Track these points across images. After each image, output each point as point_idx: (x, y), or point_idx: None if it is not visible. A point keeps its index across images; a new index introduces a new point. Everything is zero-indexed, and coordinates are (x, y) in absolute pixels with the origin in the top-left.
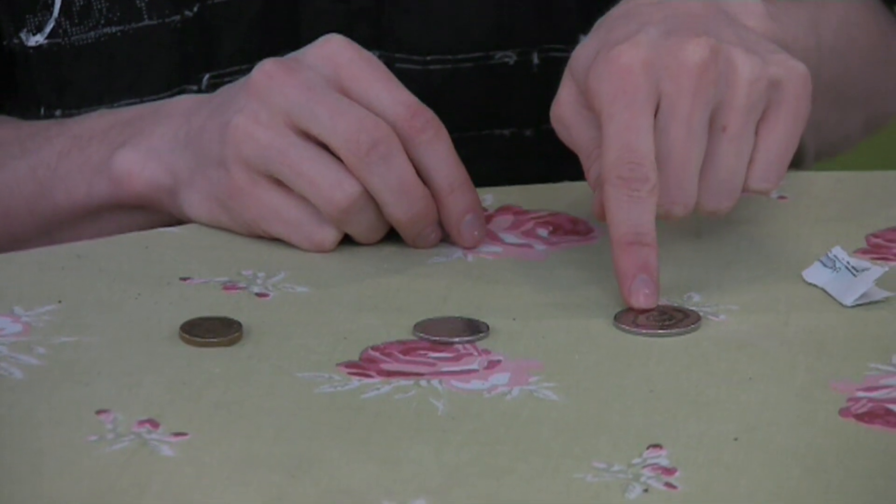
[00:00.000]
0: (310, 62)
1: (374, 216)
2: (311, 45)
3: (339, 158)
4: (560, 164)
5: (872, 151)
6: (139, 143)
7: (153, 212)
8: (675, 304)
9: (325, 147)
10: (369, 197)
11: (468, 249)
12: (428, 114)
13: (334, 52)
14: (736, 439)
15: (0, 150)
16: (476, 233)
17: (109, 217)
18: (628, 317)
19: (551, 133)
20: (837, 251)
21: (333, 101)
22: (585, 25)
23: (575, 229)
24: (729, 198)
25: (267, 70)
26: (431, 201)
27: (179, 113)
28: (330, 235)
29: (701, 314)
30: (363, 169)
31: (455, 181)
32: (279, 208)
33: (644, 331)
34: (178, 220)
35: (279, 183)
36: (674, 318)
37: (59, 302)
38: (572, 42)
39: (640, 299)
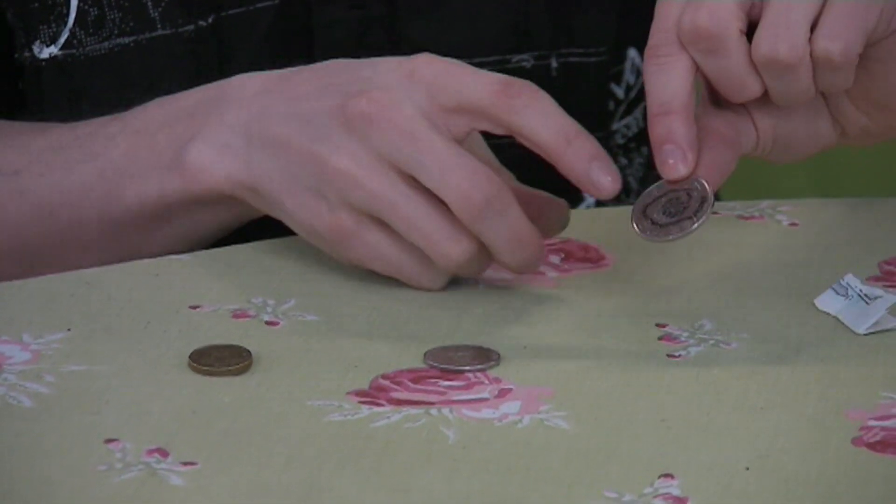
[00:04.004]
0: (403, 92)
1: (485, 262)
2: (396, 68)
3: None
4: None
5: (885, 178)
6: (209, 137)
7: (231, 205)
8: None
9: (431, 192)
10: (483, 247)
11: (607, 198)
12: (519, 82)
13: (421, 73)
14: (747, 468)
15: (61, 154)
16: (609, 178)
17: (184, 215)
18: (642, 217)
19: None
20: (850, 278)
21: (441, 149)
22: (604, 31)
23: (586, 256)
24: (787, 44)
25: (363, 108)
26: (542, 241)
27: (245, 100)
28: (439, 280)
29: (709, 201)
30: (478, 225)
31: (569, 131)
32: (386, 251)
33: (648, 234)
34: (258, 213)
35: (386, 225)
36: (682, 206)
37: (68, 330)
38: (590, 47)
39: (667, 170)
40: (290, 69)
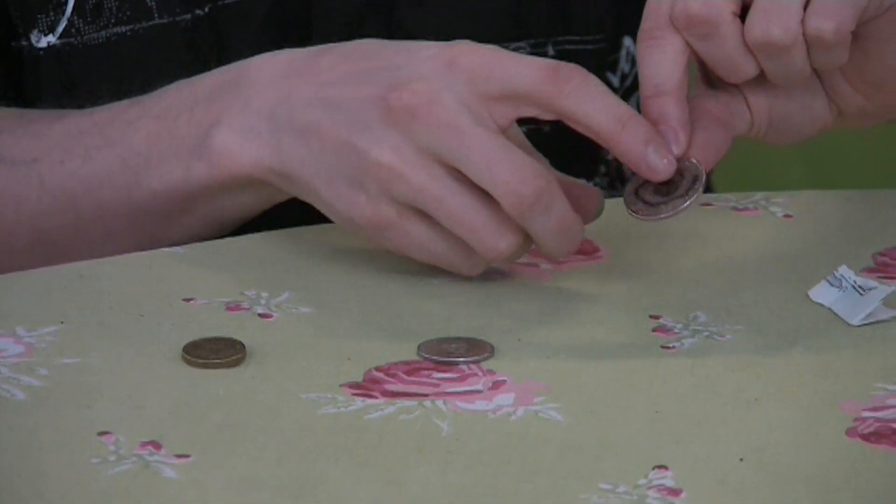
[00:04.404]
0: (443, 83)
1: (526, 251)
2: (435, 57)
3: (495, 200)
4: (578, 159)
5: (879, 170)
6: (233, 121)
7: (255, 190)
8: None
9: (474, 183)
10: (529, 239)
11: (661, 180)
12: (567, 66)
13: (463, 63)
14: (742, 460)
15: (80, 141)
16: (665, 160)
17: (208, 201)
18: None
19: (566, 128)
20: (844, 270)
21: (487, 143)
22: (600, 19)
23: (581, 248)
24: (780, 25)
25: (406, 102)
26: (583, 229)
27: (269, 84)
28: (479, 268)
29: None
30: (526, 220)
31: (622, 115)
32: (428, 242)
33: (641, 214)
34: (284, 197)
35: (427, 216)
36: (674, 185)
37: (62, 323)
38: (587, 34)
39: (651, 159)
40: (314, 49)
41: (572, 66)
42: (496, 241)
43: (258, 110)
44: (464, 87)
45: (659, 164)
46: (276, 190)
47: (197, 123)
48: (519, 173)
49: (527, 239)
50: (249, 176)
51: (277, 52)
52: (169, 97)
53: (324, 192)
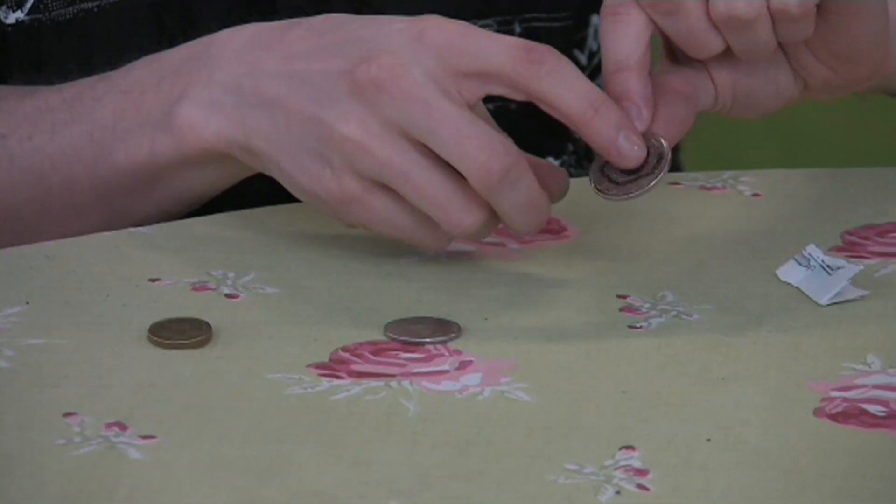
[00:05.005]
0: (411, 56)
1: (493, 227)
2: (404, 30)
3: (461, 175)
4: (546, 137)
5: (848, 149)
6: (198, 95)
7: (222, 165)
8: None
9: (440, 157)
10: (494, 214)
11: (631, 167)
12: (540, 47)
13: (431, 36)
14: (709, 440)
15: (48, 117)
16: (636, 147)
17: (174, 175)
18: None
19: (534, 106)
20: (812, 249)
21: (455, 117)
22: None
23: (548, 228)
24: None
25: (373, 75)
26: (550, 206)
27: (234, 56)
28: (444, 243)
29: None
30: (494, 195)
31: (595, 99)
32: (393, 216)
33: (608, 193)
34: (252, 172)
35: (391, 190)
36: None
37: (27, 303)
38: (553, 12)
39: (621, 145)
40: (282, 22)
41: (545, 47)
42: (462, 217)
43: (223, 83)
44: (432, 62)
45: (629, 151)
46: (241, 165)
47: (163, 98)
48: (487, 148)
49: (493, 215)
50: (213, 150)
51: (244, 25)
52: (136, 72)
53: (287, 167)
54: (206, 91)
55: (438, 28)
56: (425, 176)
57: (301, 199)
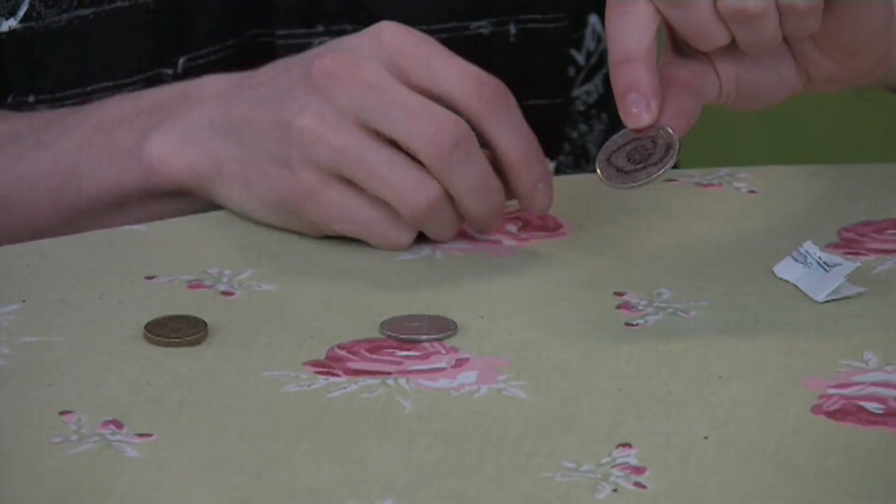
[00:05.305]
0: (366, 53)
1: (452, 214)
2: (361, 34)
3: (414, 159)
4: (542, 137)
5: (845, 145)
6: (172, 128)
7: (188, 198)
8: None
9: (395, 145)
10: (448, 196)
11: (536, 217)
12: (494, 82)
13: (387, 37)
14: (706, 438)
15: (14, 143)
16: (546, 199)
17: (140, 205)
18: (607, 165)
19: (530, 107)
20: (809, 246)
21: (405, 98)
22: None
23: (544, 225)
24: None
25: (328, 67)
26: (504, 192)
27: (212, 96)
28: (406, 235)
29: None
30: (445, 171)
31: (528, 151)
32: (352, 210)
33: (613, 181)
34: (214, 207)
35: (350, 183)
36: (647, 153)
37: (23, 301)
38: (549, 12)
39: (631, 119)
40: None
41: (496, 82)
42: (415, 196)
43: (197, 119)
44: (388, 59)
45: (540, 203)
46: (206, 200)
47: (135, 131)
48: (437, 122)
49: (448, 199)
50: (181, 182)
51: (224, 74)
52: (109, 107)
53: (255, 179)
54: (179, 126)
55: (394, 32)
56: (378, 158)
57: (268, 217)
